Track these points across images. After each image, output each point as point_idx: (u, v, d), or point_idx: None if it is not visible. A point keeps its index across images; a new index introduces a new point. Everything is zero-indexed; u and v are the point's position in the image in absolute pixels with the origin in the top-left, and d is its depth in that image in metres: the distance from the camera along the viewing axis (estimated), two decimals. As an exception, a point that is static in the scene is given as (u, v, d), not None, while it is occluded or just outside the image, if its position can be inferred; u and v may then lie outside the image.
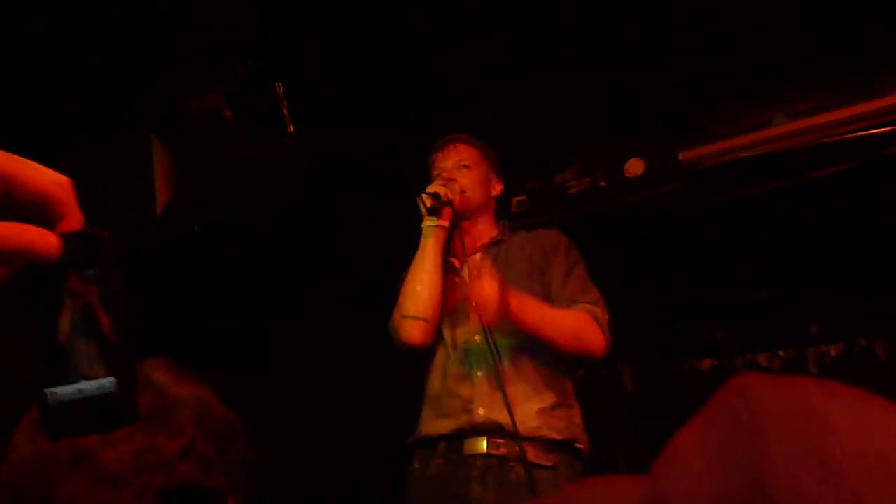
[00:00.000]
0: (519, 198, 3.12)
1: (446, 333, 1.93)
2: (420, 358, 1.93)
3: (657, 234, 3.32)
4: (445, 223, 1.98)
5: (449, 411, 1.85)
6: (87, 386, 0.42)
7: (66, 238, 0.44)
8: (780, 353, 4.66)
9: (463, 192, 2.03)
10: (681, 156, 2.86)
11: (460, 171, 2.08)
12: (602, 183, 3.00)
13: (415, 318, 1.89)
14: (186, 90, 2.28)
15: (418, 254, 1.95)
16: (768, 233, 3.52)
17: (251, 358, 3.33)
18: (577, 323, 1.89)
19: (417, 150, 2.28)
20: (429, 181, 2.09)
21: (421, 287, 1.89)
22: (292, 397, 3.56)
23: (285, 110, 2.33)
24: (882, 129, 2.72)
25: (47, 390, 0.42)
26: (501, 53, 2.68)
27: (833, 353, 4.57)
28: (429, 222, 1.96)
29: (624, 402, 4.14)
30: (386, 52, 2.50)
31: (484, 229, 2.11)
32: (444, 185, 1.98)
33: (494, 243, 2.09)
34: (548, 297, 1.94)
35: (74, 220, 0.46)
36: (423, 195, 1.95)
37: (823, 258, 3.78)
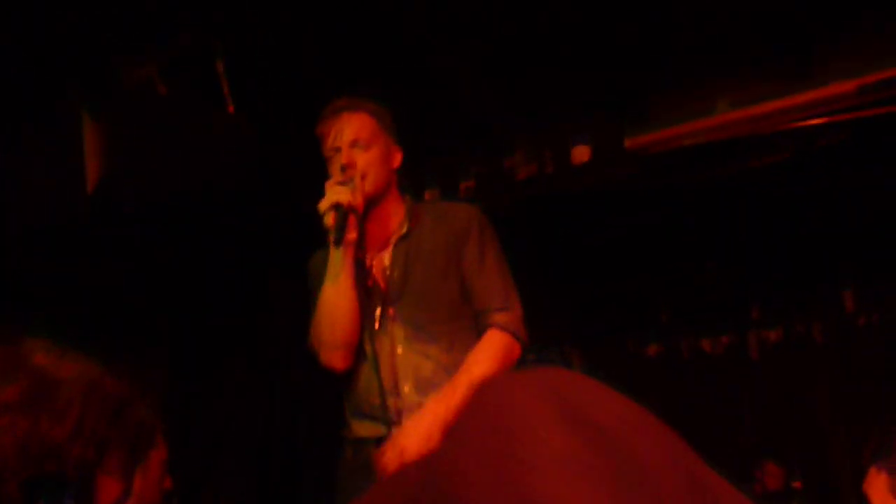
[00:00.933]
0: (467, 183, 3.11)
1: (367, 348, 1.85)
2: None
3: (604, 220, 3.35)
4: (353, 234, 1.81)
5: (377, 416, 1.83)
6: None
7: None
8: (723, 338, 4.78)
9: (364, 176, 1.83)
10: (626, 143, 2.88)
11: (358, 152, 1.86)
12: (549, 168, 3.01)
13: (336, 347, 1.83)
14: (120, 64, 2.19)
15: (329, 276, 1.81)
16: (712, 220, 3.59)
17: (187, 345, 3.26)
18: (494, 356, 1.78)
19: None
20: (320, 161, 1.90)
21: (336, 314, 1.81)
22: (242, 385, 3.51)
23: (225, 87, 2.25)
24: (819, 120, 2.79)
25: None
26: (454, 35, 2.66)
27: (773, 337, 4.72)
28: (333, 240, 1.77)
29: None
30: (328, 29, 2.45)
31: (390, 211, 1.92)
32: (342, 186, 1.78)
33: (403, 238, 1.91)
34: (464, 296, 1.85)
35: None
36: (324, 208, 1.75)
37: (764, 245, 3.87)
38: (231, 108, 2.23)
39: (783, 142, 2.93)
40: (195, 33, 2.30)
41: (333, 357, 1.83)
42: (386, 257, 1.88)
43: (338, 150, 1.85)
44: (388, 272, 1.87)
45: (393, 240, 1.89)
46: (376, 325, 1.83)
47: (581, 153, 2.91)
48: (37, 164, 2.41)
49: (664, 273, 4.01)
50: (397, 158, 1.94)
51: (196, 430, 3.42)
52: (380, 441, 1.79)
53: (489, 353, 1.80)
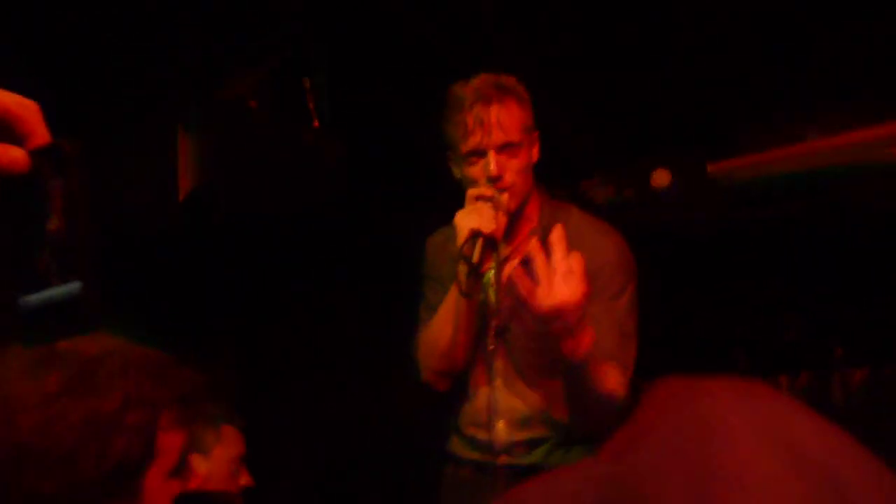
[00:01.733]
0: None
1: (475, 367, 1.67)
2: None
3: (683, 249, 3.27)
4: (491, 266, 1.54)
5: (475, 440, 1.72)
6: (55, 291, 0.44)
7: (33, 153, 0.47)
8: (803, 375, 4.57)
9: (509, 188, 1.52)
10: (709, 168, 2.81)
11: (507, 156, 1.52)
12: (628, 192, 2.96)
13: (439, 373, 1.67)
14: (215, 79, 2.28)
15: (449, 305, 1.57)
16: (796, 252, 3.46)
17: (260, 356, 3.32)
18: (611, 391, 1.52)
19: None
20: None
21: (452, 347, 1.59)
22: (304, 396, 3.55)
23: (311, 104, 2.31)
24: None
25: (20, 298, 0.44)
26: (533, 56, 2.66)
27: (858, 377, 4.49)
28: (462, 274, 1.46)
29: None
30: (416, 52, 2.49)
31: (528, 214, 1.61)
32: (486, 207, 1.46)
33: (524, 261, 1.51)
34: None
35: (41, 137, 0.49)
36: (464, 239, 1.43)
37: (850, 280, 3.70)
38: (316, 124, 2.28)
39: (877, 172, 2.81)
40: (287, 51, 2.37)
41: (438, 381, 1.69)
42: (511, 268, 1.58)
43: (482, 153, 1.52)
44: (498, 297, 1.59)
45: (516, 255, 1.58)
46: (488, 356, 1.61)
47: (661, 177, 2.85)
48: (131, 172, 2.52)
49: (744, 308, 3.88)
50: (537, 148, 1.62)
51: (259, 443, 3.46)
52: (477, 465, 1.69)
53: (611, 382, 1.52)
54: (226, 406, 1.77)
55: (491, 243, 1.48)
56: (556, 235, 1.39)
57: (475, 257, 1.44)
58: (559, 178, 3.11)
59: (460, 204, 1.54)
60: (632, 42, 2.65)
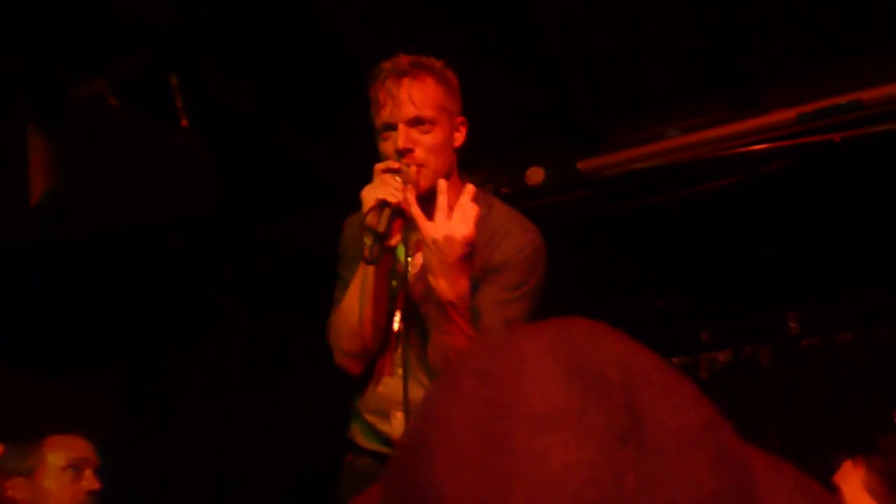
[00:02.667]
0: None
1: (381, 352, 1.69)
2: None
3: (556, 243, 3.39)
4: (397, 239, 1.50)
5: (382, 430, 1.71)
6: None
7: None
8: (674, 359, 4.86)
9: (421, 166, 1.52)
10: (579, 165, 2.94)
11: (419, 132, 1.53)
12: (504, 189, 3.04)
13: (355, 353, 1.66)
14: (70, 75, 2.15)
15: (357, 280, 1.57)
16: (662, 243, 3.67)
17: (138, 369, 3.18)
18: (457, 347, 1.51)
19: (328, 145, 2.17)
20: (367, 122, 1.55)
21: (365, 322, 1.59)
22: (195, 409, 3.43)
23: (179, 102, 2.23)
24: (764, 146, 2.89)
25: None
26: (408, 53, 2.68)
27: (721, 359, 4.81)
28: (369, 251, 1.45)
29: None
30: (287, 41, 2.45)
31: (448, 201, 1.54)
32: (393, 178, 1.45)
33: None
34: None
35: None
36: (367, 209, 1.43)
37: (713, 268, 3.97)
38: (185, 122, 2.20)
39: (730, 166, 3.03)
40: (149, 50, 2.27)
41: (349, 362, 1.67)
42: (420, 261, 1.56)
43: (392, 127, 1.52)
44: (412, 280, 1.60)
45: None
46: (395, 339, 1.63)
47: (535, 174, 2.95)
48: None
49: (616, 295, 4.07)
50: (461, 134, 1.62)
51: (148, 459, 3.32)
52: (376, 456, 1.66)
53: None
54: (49, 417, 1.68)
55: (398, 213, 1.47)
56: (468, 190, 1.48)
57: (381, 226, 1.43)
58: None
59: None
60: (505, 44, 2.72)
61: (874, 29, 2.67)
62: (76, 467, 1.63)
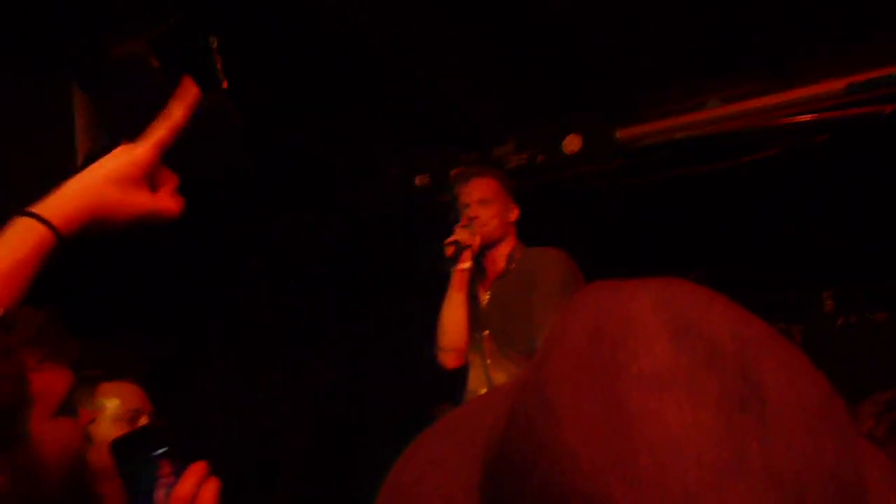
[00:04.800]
0: (457, 170, 3.11)
1: (471, 355, 2.38)
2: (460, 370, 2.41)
3: (593, 211, 3.37)
4: (467, 265, 2.34)
5: None
6: None
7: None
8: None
9: (484, 224, 2.36)
10: (618, 134, 2.89)
11: (483, 207, 2.38)
12: (541, 157, 3.02)
13: (447, 349, 2.33)
14: (111, 36, 2.16)
15: (447, 294, 2.34)
16: (698, 215, 3.62)
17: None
18: None
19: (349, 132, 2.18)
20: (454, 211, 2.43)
21: (449, 324, 2.33)
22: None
23: (219, 64, 2.23)
24: (808, 117, 2.82)
25: None
26: (442, 26, 2.65)
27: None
28: (451, 267, 2.33)
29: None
30: (314, 30, 2.43)
31: (504, 253, 2.42)
32: (464, 228, 2.32)
33: (500, 277, 2.39)
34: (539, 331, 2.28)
35: None
36: (447, 243, 2.31)
37: (748, 242, 3.91)
38: (225, 84, 2.20)
39: (772, 137, 2.96)
40: (187, 12, 2.27)
41: (446, 357, 2.33)
42: (489, 292, 2.41)
43: (467, 205, 2.38)
44: (486, 305, 2.38)
45: (493, 279, 2.40)
46: (477, 338, 2.33)
47: (572, 142, 2.91)
48: (28, 136, 2.37)
49: (651, 267, 4.03)
50: (514, 213, 2.46)
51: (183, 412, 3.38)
52: None
53: None
54: (119, 365, 1.70)
55: (466, 248, 2.34)
56: None
57: (450, 254, 2.34)
58: (471, 144, 3.14)
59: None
60: (541, 15, 2.68)
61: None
62: (133, 415, 1.66)
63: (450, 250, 2.30)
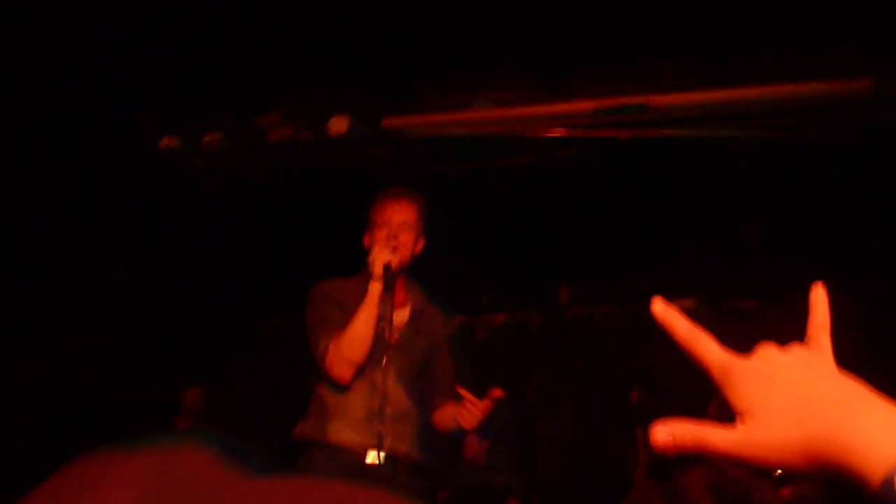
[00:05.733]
0: (213, 135, 2.87)
1: (371, 374, 2.34)
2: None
3: (352, 196, 3.32)
4: (383, 284, 2.31)
5: (359, 428, 2.30)
6: None
7: None
8: (454, 320, 5.05)
9: (401, 248, 2.35)
10: (384, 122, 2.86)
11: (402, 230, 2.37)
12: (305, 134, 2.89)
13: (350, 362, 2.30)
14: None
15: (363, 307, 2.31)
16: (459, 208, 3.74)
17: None
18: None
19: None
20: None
21: (358, 338, 2.30)
22: None
23: None
24: (560, 133, 3.00)
25: None
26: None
27: (498, 321, 5.10)
28: (375, 288, 2.29)
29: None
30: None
31: (404, 284, 2.46)
32: (389, 251, 2.31)
33: (416, 315, 2.46)
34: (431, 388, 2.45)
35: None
36: (376, 262, 2.28)
37: (501, 237, 4.14)
38: None
39: (533, 146, 3.12)
40: None
41: (347, 370, 2.31)
42: (403, 318, 2.45)
43: (388, 224, 2.36)
44: (398, 331, 2.41)
45: (409, 311, 2.45)
46: (383, 361, 2.30)
47: (338, 124, 2.82)
48: None
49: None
50: (420, 244, 2.46)
51: None
52: (353, 451, 2.26)
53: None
54: None
55: (394, 271, 2.34)
56: None
57: (381, 274, 2.32)
58: (233, 110, 2.91)
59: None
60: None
61: (670, 38, 2.85)
62: None
63: (379, 269, 2.27)
